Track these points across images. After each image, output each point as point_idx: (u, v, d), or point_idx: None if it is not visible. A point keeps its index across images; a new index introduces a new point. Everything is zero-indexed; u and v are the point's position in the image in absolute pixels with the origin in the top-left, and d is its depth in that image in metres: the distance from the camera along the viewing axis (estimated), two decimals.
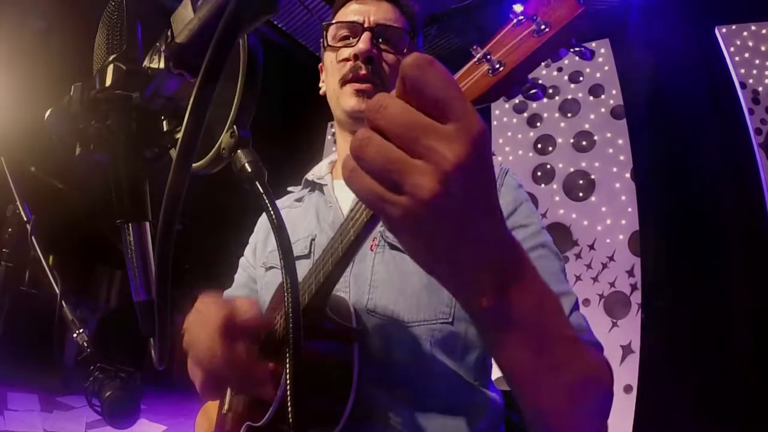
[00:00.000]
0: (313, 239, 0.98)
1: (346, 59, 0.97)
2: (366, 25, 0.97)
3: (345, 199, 1.00)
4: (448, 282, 0.48)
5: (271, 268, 1.03)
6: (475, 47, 0.50)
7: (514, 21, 0.49)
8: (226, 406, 0.95)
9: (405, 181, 0.39)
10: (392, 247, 0.90)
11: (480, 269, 0.45)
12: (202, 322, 0.73)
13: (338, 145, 1.10)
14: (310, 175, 1.11)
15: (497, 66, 0.49)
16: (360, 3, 1.01)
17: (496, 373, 0.95)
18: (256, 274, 1.10)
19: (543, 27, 0.47)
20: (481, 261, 0.44)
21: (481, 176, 0.41)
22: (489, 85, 0.49)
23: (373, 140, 0.40)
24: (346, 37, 0.99)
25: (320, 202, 1.04)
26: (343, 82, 0.97)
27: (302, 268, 0.93)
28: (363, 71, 0.94)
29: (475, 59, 0.50)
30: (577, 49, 0.50)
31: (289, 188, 1.19)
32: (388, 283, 0.88)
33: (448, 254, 0.43)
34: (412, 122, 0.39)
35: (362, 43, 0.94)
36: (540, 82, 0.51)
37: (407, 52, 0.97)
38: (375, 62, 0.94)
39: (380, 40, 0.97)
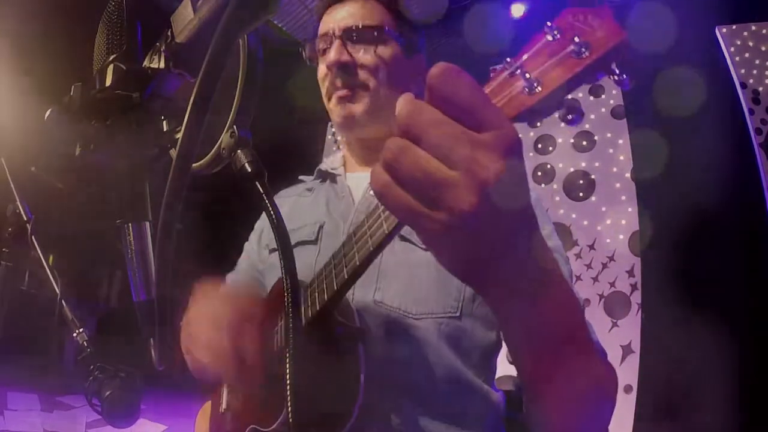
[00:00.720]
0: (321, 226, 0.99)
1: (325, 74, 0.98)
2: (336, 34, 0.96)
3: (357, 190, 1.02)
4: (483, 288, 0.47)
5: (275, 250, 1.05)
6: (507, 60, 0.46)
7: (549, 36, 0.45)
8: (223, 405, 0.95)
9: (443, 195, 0.37)
10: (402, 238, 0.90)
11: (516, 276, 0.44)
12: (204, 316, 0.75)
13: (343, 142, 1.13)
14: (324, 165, 1.12)
15: (535, 85, 0.45)
16: (330, 12, 1.00)
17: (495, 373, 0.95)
18: (259, 260, 1.12)
19: (583, 50, 0.44)
20: (518, 269, 0.44)
21: (518, 185, 0.40)
22: (527, 105, 0.46)
23: (409, 150, 0.38)
24: (324, 50, 0.99)
25: (331, 194, 1.06)
26: (328, 97, 0.99)
27: (309, 253, 0.95)
28: (338, 82, 0.95)
29: (507, 73, 0.46)
30: (616, 77, 0.46)
31: (301, 177, 1.20)
32: (397, 274, 0.88)
33: (486, 263, 0.42)
34: (449, 131, 0.37)
35: (331, 53, 0.95)
36: (577, 105, 0.47)
37: (390, 43, 0.97)
38: (349, 68, 0.95)
39: (352, 43, 0.96)
